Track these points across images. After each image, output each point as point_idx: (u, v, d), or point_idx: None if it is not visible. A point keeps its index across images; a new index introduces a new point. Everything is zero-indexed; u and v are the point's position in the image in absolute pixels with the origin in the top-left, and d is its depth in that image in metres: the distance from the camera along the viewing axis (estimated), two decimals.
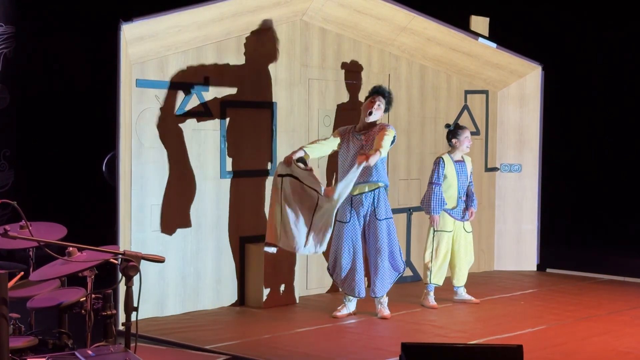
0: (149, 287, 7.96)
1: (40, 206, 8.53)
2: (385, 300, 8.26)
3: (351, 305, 8.27)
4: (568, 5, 12.29)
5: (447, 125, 8.87)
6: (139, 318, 7.74)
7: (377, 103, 8.20)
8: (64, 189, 10.17)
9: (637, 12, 11.93)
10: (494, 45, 10.21)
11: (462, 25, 10.05)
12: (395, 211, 9.03)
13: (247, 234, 8.69)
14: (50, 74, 10.16)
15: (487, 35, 10.31)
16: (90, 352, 3.70)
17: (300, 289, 8.93)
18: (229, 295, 8.63)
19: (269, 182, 8.79)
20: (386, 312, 8.20)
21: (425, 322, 8.07)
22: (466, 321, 8.13)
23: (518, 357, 4.65)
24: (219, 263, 8.54)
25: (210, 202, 8.46)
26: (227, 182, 8.58)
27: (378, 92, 8.28)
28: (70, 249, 4.56)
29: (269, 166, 8.85)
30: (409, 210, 9.99)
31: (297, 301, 8.78)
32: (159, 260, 4.20)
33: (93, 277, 4.95)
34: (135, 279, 4.07)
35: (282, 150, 8.91)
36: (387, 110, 8.34)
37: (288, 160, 7.95)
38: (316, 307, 8.61)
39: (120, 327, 6.17)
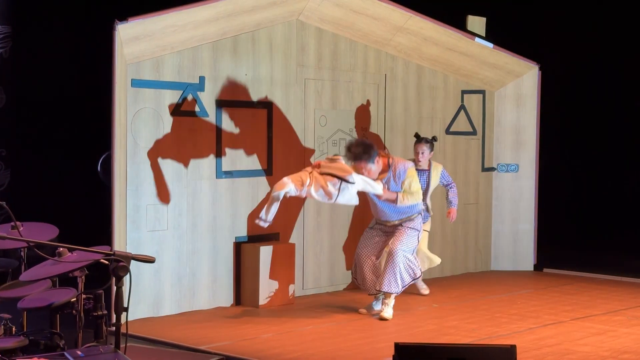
0: (145, 287, 7.95)
1: (37, 206, 8.50)
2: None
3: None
4: (565, 5, 12.27)
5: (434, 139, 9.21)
6: (134, 318, 7.80)
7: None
8: (60, 188, 10.16)
9: (635, 12, 11.92)
10: (490, 45, 10.20)
11: (459, 25, 10.04)
12: None
13: (242, 234, 8.68)
14: (46, 74, 10.15)
15: (483, 35, 10.30)
16: (79, 352, 3.69)
17: (296, 289, 8.93)
18: (225, 295, 8.62)
19: (267, 182, 8.79)
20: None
21: (420, 322, 8.06)
22: (462, 321, 8.11)
23: (511, 357, 4.62)
24: (214, 263, 8.53)
25: (206, 202, 8.45)
26: (223, 182, 8.56)
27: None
28: (61, 249, 4.55)
29: (265, 166, 8.84)
30: None
31: (294, 301, 8.78)
32: (149, 260, 4.18)
33: (84, 277, 4.94)
34: (126, 279, 4.05)
35: (278, 150, 8.90)
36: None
37: (317, 164, 7.87)
38: (312, 307, 8.60)
39: (112, 328, 6.16)
